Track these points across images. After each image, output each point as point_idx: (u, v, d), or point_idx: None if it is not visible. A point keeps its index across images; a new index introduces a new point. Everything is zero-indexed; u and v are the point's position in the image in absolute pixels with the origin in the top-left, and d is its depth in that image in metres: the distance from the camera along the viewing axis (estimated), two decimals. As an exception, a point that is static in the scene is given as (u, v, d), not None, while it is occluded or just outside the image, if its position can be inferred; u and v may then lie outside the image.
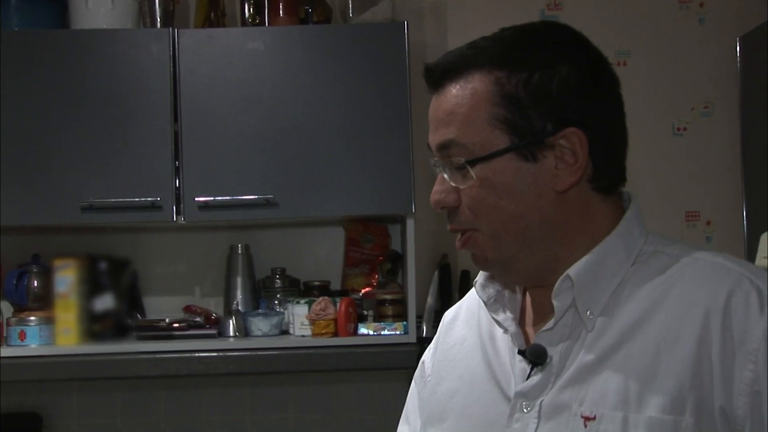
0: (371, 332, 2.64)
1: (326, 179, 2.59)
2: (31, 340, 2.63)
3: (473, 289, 1.40)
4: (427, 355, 1.51)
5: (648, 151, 2.97)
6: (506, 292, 1.35)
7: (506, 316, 1.34)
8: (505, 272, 1.30)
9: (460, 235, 1.29)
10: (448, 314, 1.51)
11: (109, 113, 2.59)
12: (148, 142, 2.58)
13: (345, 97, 2.61)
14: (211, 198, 2.58)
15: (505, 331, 1.33)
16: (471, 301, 1.46)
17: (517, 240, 1.25)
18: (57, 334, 2.65)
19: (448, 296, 2.84)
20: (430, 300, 2.74)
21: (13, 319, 2.65)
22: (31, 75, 2.59)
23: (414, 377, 1.53)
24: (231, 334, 2.69)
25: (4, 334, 2.64)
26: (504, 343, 1.34)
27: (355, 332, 2.64)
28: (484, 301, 1.36)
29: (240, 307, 2.76)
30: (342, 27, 2.75)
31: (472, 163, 1.24)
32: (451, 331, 1.47)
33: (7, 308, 2.68)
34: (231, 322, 2.70)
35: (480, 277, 1.37)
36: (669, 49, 3.06)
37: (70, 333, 2.65)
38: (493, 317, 1.36)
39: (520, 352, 1.28)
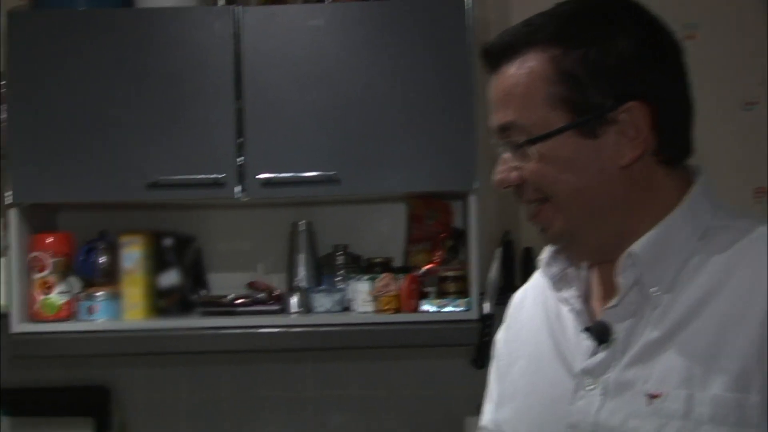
0: (434, 309, 2.63)
1: (389, 155, 2.59)
2: (100, 315, 2.68)
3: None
4: (500, 335, 1.51)
5: (716, 125, 2.91)
6: (571, 269, 1.34)
7: (571, 294, 1.33)
8: (572, 247, 1.30)
9: (530, 209, 1.28)
10: (517, 295, 1.51)
11: (174, 91, 2.61)
12: (211, 119, 2.60)
13: (407, 73, 2.60)
14: (274, 175, 2.59)
15: (571, 308, 1.32)
16: (538, 280, 1.45)
17: (582, 214, 1.24)
18: (124, 309, 2.69)
19: (511, 273, 2.83)
20: (492, 277, 2.73)
21: (83, 294, 2.70)
22: (97, 54, 2.61)
23: (492, 356, 1.53)
24: (293, 310, 2.71)
25: (74, 309, 2.69)
26: (570, 321, 1.33)
27: (417, 309, 2.64)
28: (548, 279, 1.35)
29: (303, 284, 2.77)
30: (403, 2, 2.72)
31: (532, 142, 1.23)
32: (520, 311, 1.47)
33: (77, 283, 2.73)
34: (294, 298, 2.71)
35: (544, 255, 1.36)
36: (739, 21, 2.99)
37: (136, 308, 2.69)
38: (558, 295, 1.35)
39: (585, 330, 1.27)
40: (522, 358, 1.41)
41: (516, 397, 1.39)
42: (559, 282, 1.35)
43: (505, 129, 1.26)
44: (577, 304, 1.31)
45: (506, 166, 1.27)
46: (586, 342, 1.27)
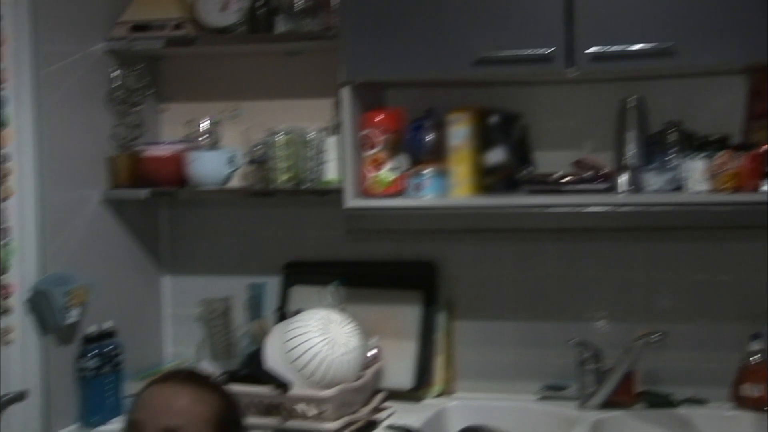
0: (777, 189, 2.46)
1: (730, 23, 2.40)
2: (427, 191, 2.73)
3: None
4: None
5: None
6: None
7: None
8: None
9: None
10: None
11: (502, -36, 2.56)
12: (540, -8, 2.53)
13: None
14: (604, 48, 2.48)
15: None
16: None
17: None
18: (451, 185, 2.73)
19: None
20: None
21: (411, 171, 2.75)
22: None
23: None
24: (622, 189, 2.63)
25: (403, 186, 2.76)
26: None
27: (758, 188, 2.47)
28: None
29: (632, 162, 2.67)
30: None
31: None
32: None
33: (406, 160, 2.79)
34: (623, 177, 2.63)
35: None
36: None
37: (463, 185, 2.72)
38: None
39: None
40: None
41: None
42: None
43: None
44: None
45: None
46: None
